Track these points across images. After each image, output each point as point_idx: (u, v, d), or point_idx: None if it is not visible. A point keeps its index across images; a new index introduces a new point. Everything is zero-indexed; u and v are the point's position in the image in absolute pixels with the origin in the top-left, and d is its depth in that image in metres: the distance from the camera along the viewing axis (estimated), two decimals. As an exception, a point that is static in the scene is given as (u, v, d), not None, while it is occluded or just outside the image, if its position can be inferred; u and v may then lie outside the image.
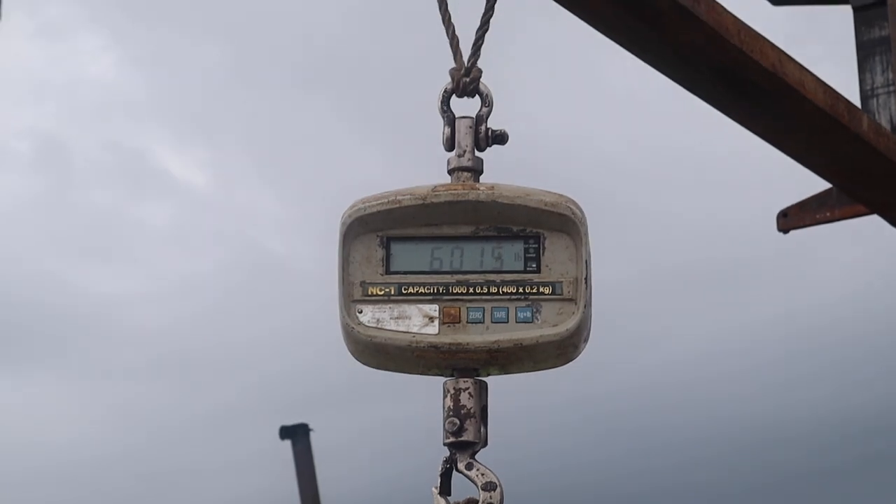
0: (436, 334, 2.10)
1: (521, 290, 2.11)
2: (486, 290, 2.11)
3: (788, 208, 5.51)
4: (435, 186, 2.13)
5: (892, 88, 5.40)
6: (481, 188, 2.13)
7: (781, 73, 3.59)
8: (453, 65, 2.20)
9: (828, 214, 5.51)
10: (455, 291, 2.11)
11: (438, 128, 2.21)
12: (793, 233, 5.53)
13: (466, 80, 2.19)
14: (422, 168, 2.24)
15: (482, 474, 2.11)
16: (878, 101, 5.44)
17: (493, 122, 2.20)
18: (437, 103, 2.20)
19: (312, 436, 6.84)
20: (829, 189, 5.29)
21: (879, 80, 5.45)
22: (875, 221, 5.24)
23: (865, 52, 5.51)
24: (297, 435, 6.86)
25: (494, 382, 2.18)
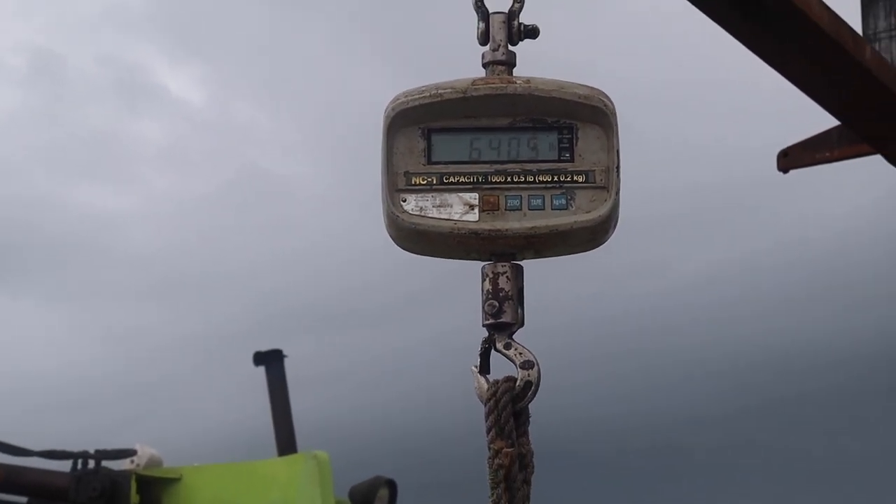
0: (476, 221, 2.26)
1: (555, 178, 2.28)
2: (522, 179, 2.28)
3: (789, 148, 5.66)
4: (474, 80, 2.28)
5: (894, 33, 5.55)
6: (518, 82, 2.29)
7: (789, -6, 3.72)
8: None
9: (828, 154, 5.64)
10: (494, 180, 2.28)
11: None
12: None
13: None
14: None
15: (520, 353, 2.28)
16: (880, 45, 5.59)
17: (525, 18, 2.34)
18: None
19: (287, 362, 6.96)
20: (830, 129, 5.44)
21: (882, 24, 5.61)
22: (878, 161, 5.36)
23: (870, -4, 5.65)
24: (270, 361, 6.95)
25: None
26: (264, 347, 6.92)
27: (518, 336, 2.30)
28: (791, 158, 5.67)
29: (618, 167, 2.28)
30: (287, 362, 6.95)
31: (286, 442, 6.78)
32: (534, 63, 2.35)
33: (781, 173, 5.72)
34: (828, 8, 3.94)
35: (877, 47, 5.45)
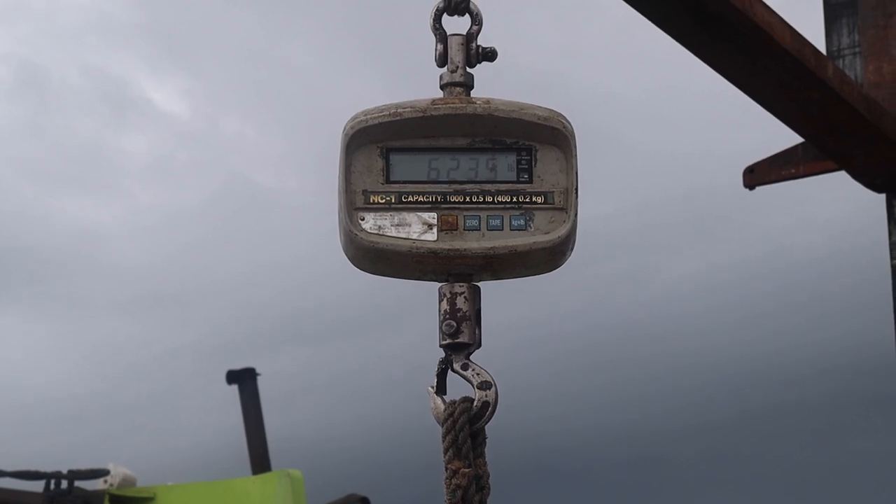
0: (434, 241, 2.27)
1: (514, 199, 2.28)
2: (481, 199, 2.28)
3: (755, 165, 5.69)
4: (434, 100, 2.29)
5: (857, 50, 5.61)
6: (478, 102, 2.30)
7: (751, 12, 3.75)
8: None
9: (793, 171, 5.68)
10: (452, 200, 2.28)
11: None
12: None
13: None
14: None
15: (477, 374, 2.28)
16: (843, 61, 5.64)
17: (483, 40, 2.35)
18: (429, 21, 2.35)
19: (261, 380, 6.99)
20: (796, 146, 5.48)
21: (846, 41, 5.66)
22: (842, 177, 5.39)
23: (833, 13, 5.71)
24: (243, 380, 6.98)
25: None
26: (244, 364, 6.95)
27: (490, 353, 2.31)
28: (757, 175, 5.70)
29: (576, 189, 2.30)
30: (261, 379, 6.98)
31: (260, 460, 6.80)
32: (492, 85, 2.37)
33: (748, 190, 5.77)
34: (790, 27, 3.97)
35: (840, 64, 5.50)
